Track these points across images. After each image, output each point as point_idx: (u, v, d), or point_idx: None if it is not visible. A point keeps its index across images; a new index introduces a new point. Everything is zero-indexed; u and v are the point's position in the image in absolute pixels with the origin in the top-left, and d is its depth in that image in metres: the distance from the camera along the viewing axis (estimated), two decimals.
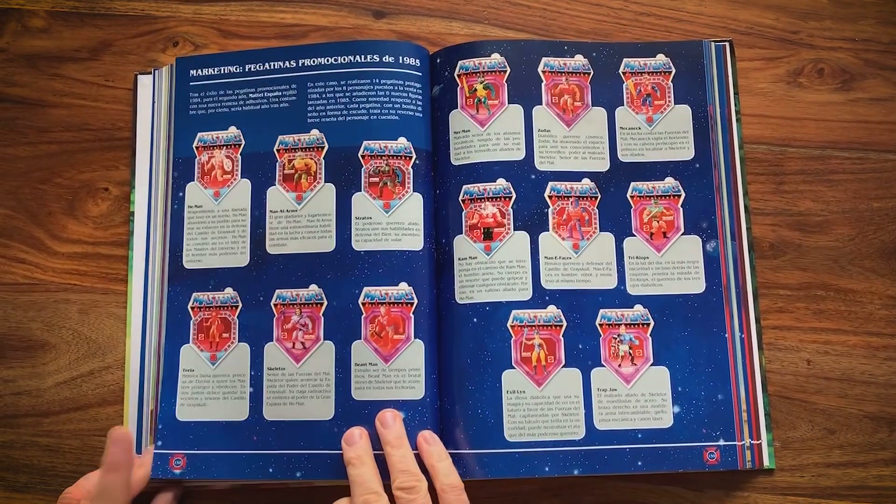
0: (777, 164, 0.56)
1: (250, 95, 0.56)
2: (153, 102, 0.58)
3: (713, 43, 0.57)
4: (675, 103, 0.56)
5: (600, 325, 0.52)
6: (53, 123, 0.58)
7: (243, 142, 0.56)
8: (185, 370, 0.53)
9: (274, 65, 0.56)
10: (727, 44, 0.57)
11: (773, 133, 0.57)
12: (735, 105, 0.56)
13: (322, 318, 0.52)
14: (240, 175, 0.55)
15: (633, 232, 0.54)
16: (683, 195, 0.54)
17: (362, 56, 0.55)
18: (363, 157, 0.54)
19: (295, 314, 0.52)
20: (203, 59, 0.57)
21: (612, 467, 0.50)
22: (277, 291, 0.53)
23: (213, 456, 0.51)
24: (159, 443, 0.51)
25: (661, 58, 0.56)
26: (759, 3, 0.59)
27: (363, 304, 0.52)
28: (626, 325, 0.52)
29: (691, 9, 0.59)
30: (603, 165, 0.55)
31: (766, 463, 0.51)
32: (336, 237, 0.53)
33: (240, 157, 0.55)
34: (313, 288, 0.52)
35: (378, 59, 0.55)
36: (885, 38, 0.58)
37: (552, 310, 0.52)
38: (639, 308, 0.52)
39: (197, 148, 0.56)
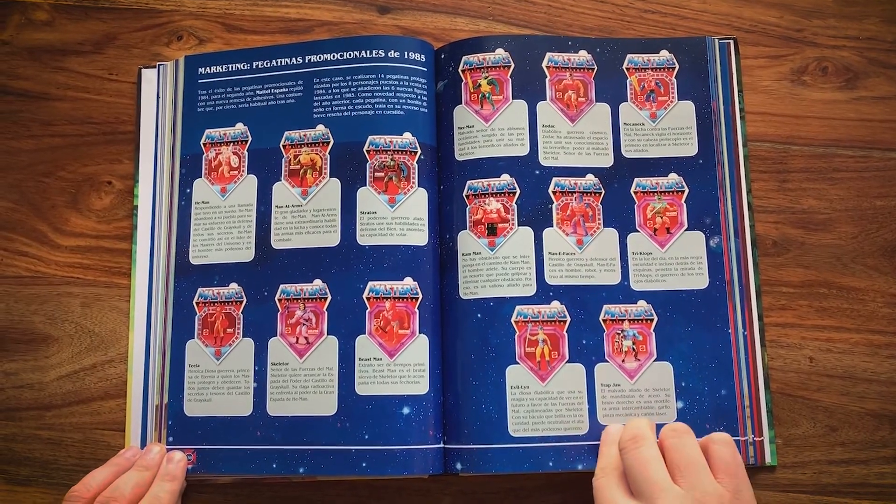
0: (781, 162, 0.57)
1: (257, 92, 0.56)
2: (158, 97, 0.58)
3: (717, 40, 0.57)
4: (678, 99, 0.56)
5: (604, 320, 0.52)
6: (57, 117, 0.58)
7: (250, 138, 0.56)
8: (191, 365, 0.53)
9: (280, 61, 0.56)
10: (731, 41, 0.58)
11: (777, 131, 0.57)
12: (739, 103, 0.57)
13: (326, 312, 0.52)
14: (246, 171, 0.55)
15: (637, 228, 0.54)
16: (687, 191, 0.54)
17: (367, 51, 0.55)
18: (368, 152, 0.54)
19: (299, 309, 0.52)
20: (211, 56, 0.57)
21: None
22: (282, 286, 0.53)
23: (220, 451, 0.51)
24: (171, 439, 0.52)
25: (664, 54, 0.56)
26: (764, 1, 0.59)
27: (367, 298, 0.52)
28: (629, 320, 0.52)
29: (695, 6, 0.60)
30: (607, 161, 0.55)
31: (769, 460, 0.52)
32: (341, 232, 0.53)
33: (246, 153, 0.55)
34: (317, 283, 0.52)
35: (383, 55, 0.55)
36: (890, 36, 0.59)
37: (556, 305, 0.52)
38: (642, 304, 0.52)
39: (204, 145, 0.56)
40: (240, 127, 0.56)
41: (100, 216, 0.57)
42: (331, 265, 0.53)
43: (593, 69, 0.56)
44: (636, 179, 0.54)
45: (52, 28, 0.60)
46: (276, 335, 0.52)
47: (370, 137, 0.54)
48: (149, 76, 0.58)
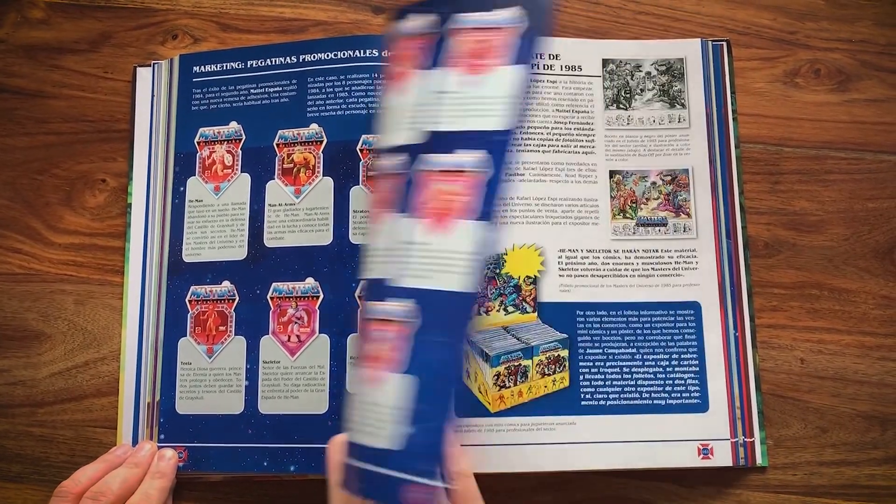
0: (773, 164, 0.57)
1: (251, 91, 0.56)
2: (152, 96, 0.58)
3: (710, 42, 0.57)
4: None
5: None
6: (52, 114, 0.58)
7: (244, 137, 0.56)
8: (183, 363, 0.53)
9: (275, 60, 0.57)
10: (724, 43, 0.58)
11: (770, 133, 0.57)
12: (732, 104, 0.57)
13: (318, 311, 0.52)
14: (240, 169, 0.55)
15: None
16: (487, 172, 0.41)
17: (361, 51, 0.55)
18: (361, 151, 0.54)
19: (291, 307, 0.53)
20: (206, 55, 0.57)
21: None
22: (274, 284, 0.53)
23: (211, 449, 0.51)
24: (162, 436, 0.52)
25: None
26: (757, 4, 0.60)
27: (359, 297, 0.52)
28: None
29: (689, 8, 0.60)
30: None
31: (759, 461, 0.52)
32: (333, 230, 0.53)
33: (240, 151, 0.56)
34: (310, 281, 0.53)
35: (377, 54, 0.55)
36: (882, 39, 0.59)
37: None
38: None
39: (198, 143, 0.56)
40: (234, 125, 0.56)
41: (93, 214, 0.57)
42: (323, 264, 0.53)
43: None
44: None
45: (48, 26, 0.60)
46: (267, 333, 0.52)
47: (363, 137, 0.54)
48: (143, 75, 0.58)
